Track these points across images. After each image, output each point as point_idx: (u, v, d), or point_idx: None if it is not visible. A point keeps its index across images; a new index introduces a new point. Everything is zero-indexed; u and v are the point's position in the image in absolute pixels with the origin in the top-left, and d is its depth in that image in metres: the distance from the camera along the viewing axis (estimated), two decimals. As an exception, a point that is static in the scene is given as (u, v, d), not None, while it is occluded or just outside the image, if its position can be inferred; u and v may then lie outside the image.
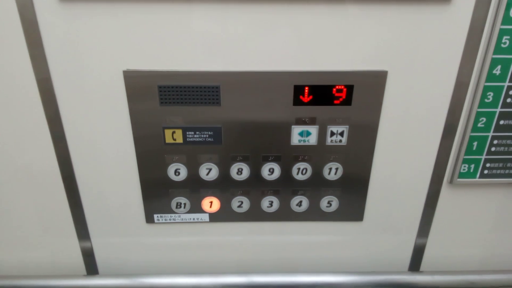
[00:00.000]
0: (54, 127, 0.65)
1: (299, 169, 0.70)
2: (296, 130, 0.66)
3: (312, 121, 0.65)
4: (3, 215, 0.75)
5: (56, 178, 0.70)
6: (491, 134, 0.67)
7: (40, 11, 0.56)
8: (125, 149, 0.68)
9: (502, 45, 0.59)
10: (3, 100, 0.63)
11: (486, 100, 0.64)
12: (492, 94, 0.63)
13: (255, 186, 0.72)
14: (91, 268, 0.81)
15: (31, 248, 0.79)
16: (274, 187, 0.72)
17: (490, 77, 0.62)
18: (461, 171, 0.70)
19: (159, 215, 0.75)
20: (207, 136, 0.66)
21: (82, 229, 0.76)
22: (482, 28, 0.59)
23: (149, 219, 0.75)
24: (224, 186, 0.72)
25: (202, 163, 0.69)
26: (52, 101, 0.63)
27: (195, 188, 0.72)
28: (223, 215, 0.75)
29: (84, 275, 0.81)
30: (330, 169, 0.70)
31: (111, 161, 0.69)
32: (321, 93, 0.63)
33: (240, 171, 0.70)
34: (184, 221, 0.76)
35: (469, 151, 0.68)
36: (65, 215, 0.74)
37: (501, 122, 0.66)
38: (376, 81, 0.62)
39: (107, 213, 0.75)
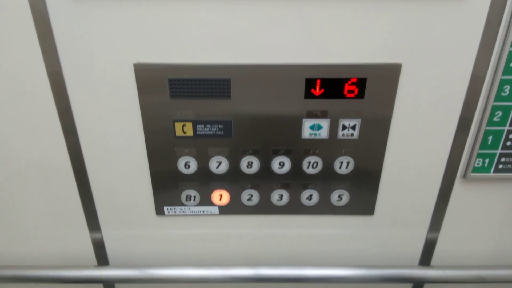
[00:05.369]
0: (65, 120, 0.65)
1: (309, 162, 0.70)
2: (307, 123, 0.65)
3: (323, 115, 0.65)
4: (15, 207, 0.75)
5: (67, 170, 0.70)
6: (507, 128, 0.66)
7: (51, 4, 0.56)
8: (135, 142, 0.67)
9: (521, 38, 0.58)
10: (15, 93, 0.63)
11: (502, 94, 0.62)
12: (508, 87, 0.62)
13: (265, 179, 0.71)
14: (102, 259, 0.82)
15: (43, 239, 0.80)
16: (284, 181, 0.72)
17: (507, 70, 0.60)
18: (475, 165, 0.69)
19: (169, 207, 0.75)
20: (217, 129, 0.66)
21: (93, 221, 0.77)
22: (500, 21, 0.57)
23: (159, 212, 0.75)
24: (234, 179, 0.72)
25: (212, 156, 0.69)
26: (63, 94, 0.63)
27: (205, 181, 0.72)
28: (233, 208, 0.75)
29: (95, 266, 0.82)
30: (341, 163, 0.69)
31: (122, 154, 0.69)
32: (333, 86, 0.62)
33: (250, 164, 0.70)
34: (193, 213, 0.76)
35: (484, 145, 0.67)
36: (76, 207, 0.75)
37: (518, 116, 0.64)
38: (390, 74, 0.61)
39: (117, 205, 0.75)
